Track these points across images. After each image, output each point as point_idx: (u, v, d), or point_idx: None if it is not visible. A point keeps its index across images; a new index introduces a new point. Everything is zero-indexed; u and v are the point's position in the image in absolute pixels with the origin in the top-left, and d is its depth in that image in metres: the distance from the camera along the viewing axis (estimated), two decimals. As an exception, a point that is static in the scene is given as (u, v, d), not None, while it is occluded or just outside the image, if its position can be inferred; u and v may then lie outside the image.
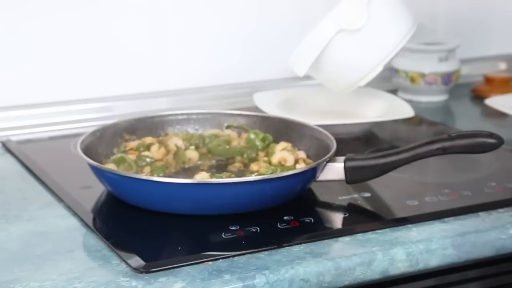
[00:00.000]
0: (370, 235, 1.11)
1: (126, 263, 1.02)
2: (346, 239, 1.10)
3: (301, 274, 1.02)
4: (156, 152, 1.27)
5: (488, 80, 1.82)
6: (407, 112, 1.52)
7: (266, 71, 1.72)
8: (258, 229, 1.11)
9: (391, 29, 1.44)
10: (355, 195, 1.22)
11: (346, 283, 1.05)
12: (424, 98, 1.76)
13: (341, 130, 1.44)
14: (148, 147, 1.28)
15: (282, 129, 1.33)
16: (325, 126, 1.32)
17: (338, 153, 1.21)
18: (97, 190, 1.22)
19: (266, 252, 1.05)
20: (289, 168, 1.21)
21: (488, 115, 1.70)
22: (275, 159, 1.26)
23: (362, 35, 1.42)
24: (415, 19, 1.47)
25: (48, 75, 1.55)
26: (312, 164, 1.19)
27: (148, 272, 1.00)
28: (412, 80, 1.74)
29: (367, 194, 1.23)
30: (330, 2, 1.70)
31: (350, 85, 1.48)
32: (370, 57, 1.45)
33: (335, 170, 1.19)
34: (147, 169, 1.23)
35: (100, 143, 1.26)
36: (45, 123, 1.53)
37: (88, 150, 1.21)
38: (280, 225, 1.12)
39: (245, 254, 1.04)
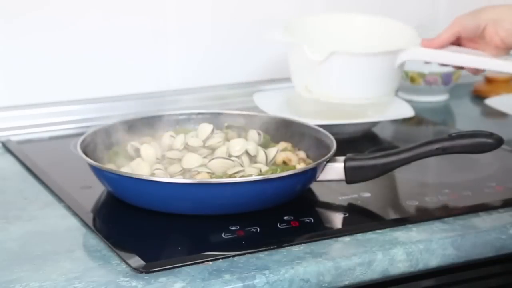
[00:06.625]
0: (370, 235, 1.11)
1: (126, 263, 1.02)
2: (346, 239, 1.10)
3: (301, 274, 1.02)
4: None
5: (488, 80, 1.82)
6: (407, 112, 1.51)
7: (266, 71, 1.72)
8: (258, 229, 1.11)
9: (329, 84, 1.40)
10: (355, 195, 1.22)
11: (346, 283, 1.05)
12: (424, 98, 1.76)
13: (341, 130, 1.44)
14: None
15: (282, 129, 1.33)
16: (325, 126, 1.32)
17: (338, 153, 1.20)
18: (97, 190, 1.22)
19: (266, 252, 1.05)
20: (289, 168, 1.21)
21: (488, 115, 1.70)
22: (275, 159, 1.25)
23: (310, 66, 1.39)
24: (368, 97, 1.42)
25: (48, 75, 1.54)
26: (312, 164, 1.19)
27: (148, 272, 0.99)
28: (412, 80, 1.74)
29: (367, 194, 1.23)
30: (330, 4, 1.71)
31: None
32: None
33: (335, 170, 1.19)
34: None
35: (100, 143, 1.26)
36: (45, 123, 1.53)
37: (88, 150, 1.21)
38: (280, 225, 1.12)
39: (245, 254, 1.04)
